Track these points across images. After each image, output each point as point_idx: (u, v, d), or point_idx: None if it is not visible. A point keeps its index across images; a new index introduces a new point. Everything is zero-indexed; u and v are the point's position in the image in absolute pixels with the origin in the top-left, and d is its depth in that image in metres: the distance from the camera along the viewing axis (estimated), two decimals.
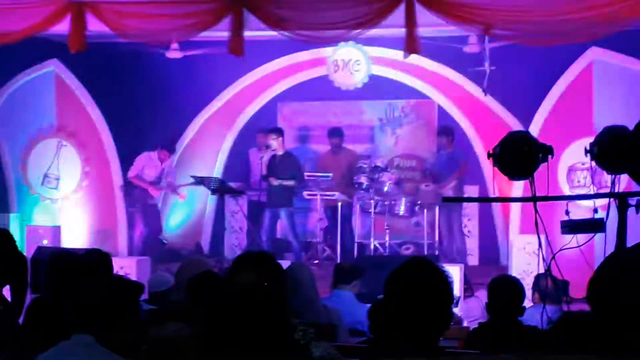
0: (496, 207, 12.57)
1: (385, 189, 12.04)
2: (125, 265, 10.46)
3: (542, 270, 4.48)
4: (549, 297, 6.18)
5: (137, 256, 11.76)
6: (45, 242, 11.68)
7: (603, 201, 4.53)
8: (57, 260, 5.47)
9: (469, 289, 9.61)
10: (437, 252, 11.96)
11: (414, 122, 13.41)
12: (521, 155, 4.40)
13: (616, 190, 4.40)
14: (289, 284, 5.70)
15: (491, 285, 5.58)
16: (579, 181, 10.89)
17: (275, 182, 11.89)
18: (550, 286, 6.50)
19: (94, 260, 5.64)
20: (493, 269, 10.79)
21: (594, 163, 4.44)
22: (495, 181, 4.95)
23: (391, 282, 3.13)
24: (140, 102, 12.89)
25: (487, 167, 11.32)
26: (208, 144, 13.60)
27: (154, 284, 6.83)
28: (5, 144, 12.86)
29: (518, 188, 10.27)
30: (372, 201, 12.07)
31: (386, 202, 12.07)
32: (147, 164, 12.54)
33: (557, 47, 10.46)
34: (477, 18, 9.61)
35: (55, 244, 11.53)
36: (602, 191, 4.69)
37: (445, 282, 3.09)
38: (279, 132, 12.28)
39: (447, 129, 12.39)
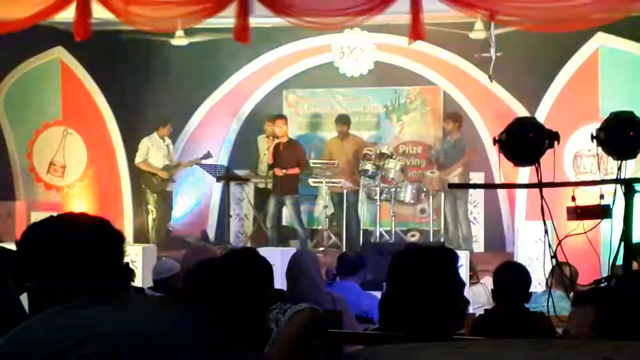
0: (502, 193, 12.56)
1: (391, 175, 12.03)
2: (130, 253, 10.47)
3: (548, 257, 4.46)
4: (567, 285, 6.16)
5: (143, 243, 11.77)
6: None
7: (609, 187, 4.51)
8: None
9: (474, 275, 9.60)
10: (442, 239, 11.95)
11: (419, 108, 13.38)
12: (527, 142, 4.38)
13: (622, 176, 4.38)
14: (294, 270, 5.72)
15: (497, 272, 5.57)
16: (585, 167, 10.87)
17: (280, 172, 11.89)
18: (568, 274, 6.51)
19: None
20: (499, 256, 10.78)
21: (600, 149, 4.42)
22: (501, 168, 4.93)
23: (392, 272, 3.11)
24: (145, 90, 12.88)
25: (493, 153, 11.29)
26: (213, 132, 13.60)
27: (158, 271, 6.82)
28: (11, 132, 12.86)
29: (524, 174, 10.25)
30: (377, 188, 12.06)
31: (392, 189, 12.07)
32: (151, 146, 12.55)
33: (563, 33, 10.43)
34: (483, 4, 9.58)
35: None
36: (608, 177, 4.66)
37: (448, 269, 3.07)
38: (284, 119, 12.28)
39: (454, 116, 12.35)
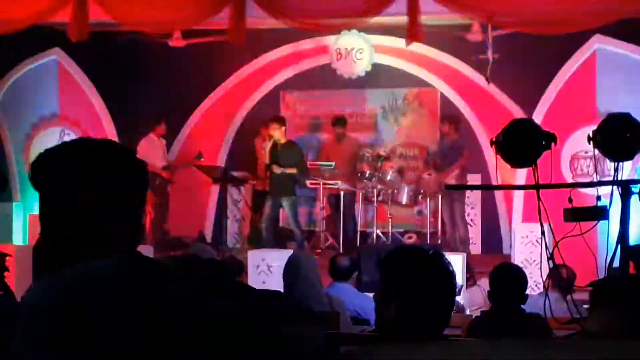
0: (499, 195, 12.56)
1: (388, 177, 12.03)
2: None
3: (544, 259, 4.46)
4: (564, 287, 6.17)
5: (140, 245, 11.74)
6: None
7: (606, 189, 4.51)
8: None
9: (471, 277, 9.62)
10: (439, 241, 11.95)
11: (416, 110, 13.38)
12: (524, 143, 4.38)
13: (619, 178, 4.38)
14: (291, 272, 5.72)
15: (493, 274, 5.57)
16: (582, 169, 10.88)
17: (277, 170, 11.85)
18: (567, 277, 6.53)
19: None
20: (495, 258, 10.74)
21: (597, 151, 4.42)
22: (498, 170, 4.93)
23: (387, 272, 3.10)
24: (142, 91, 12.88)
25: (490, 155, 11.30)
26: (211, 133, 13.58)
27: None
28: (8, 132, 12.86)
29: (521, 176, 10.26)
30: (374, 190, 12.06)
31: (389, 191, 12.07)
32: (150, 147, 12.49)
33: (560, 35, 10.43)
34: (480, 5, 9.60)
35: None
36: (605, 179, 4.67)
37: (446, 273, 3.06)
38: (281, 121, 12.25)
39: (451, 118, 12.35)
